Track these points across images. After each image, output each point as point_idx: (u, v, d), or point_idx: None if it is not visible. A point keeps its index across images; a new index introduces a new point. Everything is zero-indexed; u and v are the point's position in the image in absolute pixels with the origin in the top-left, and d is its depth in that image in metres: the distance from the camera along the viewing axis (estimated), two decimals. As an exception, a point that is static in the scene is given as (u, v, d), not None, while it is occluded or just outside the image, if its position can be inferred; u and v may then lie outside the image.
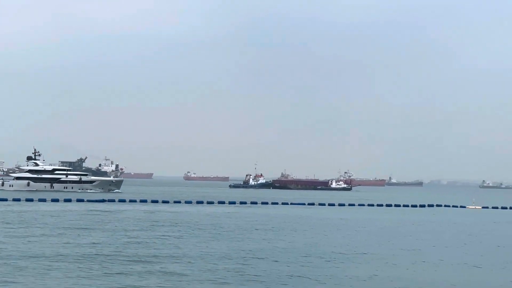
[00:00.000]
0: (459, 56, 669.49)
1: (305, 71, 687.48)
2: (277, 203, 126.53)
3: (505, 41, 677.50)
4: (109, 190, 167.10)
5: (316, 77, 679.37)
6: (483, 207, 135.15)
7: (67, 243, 51.70)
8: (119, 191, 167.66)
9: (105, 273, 38.11)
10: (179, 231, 64.35)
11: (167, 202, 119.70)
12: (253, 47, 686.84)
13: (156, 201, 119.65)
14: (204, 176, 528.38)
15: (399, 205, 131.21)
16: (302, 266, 42.52)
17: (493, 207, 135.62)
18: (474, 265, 45.28)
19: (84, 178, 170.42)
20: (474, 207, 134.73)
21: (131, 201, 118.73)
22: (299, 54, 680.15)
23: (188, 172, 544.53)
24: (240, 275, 38.69)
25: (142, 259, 43.56)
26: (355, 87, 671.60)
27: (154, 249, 49.19)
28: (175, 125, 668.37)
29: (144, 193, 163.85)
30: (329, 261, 45.17)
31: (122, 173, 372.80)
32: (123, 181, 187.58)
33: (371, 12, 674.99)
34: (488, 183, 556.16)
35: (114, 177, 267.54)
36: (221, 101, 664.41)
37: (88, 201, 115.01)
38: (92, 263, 41.54)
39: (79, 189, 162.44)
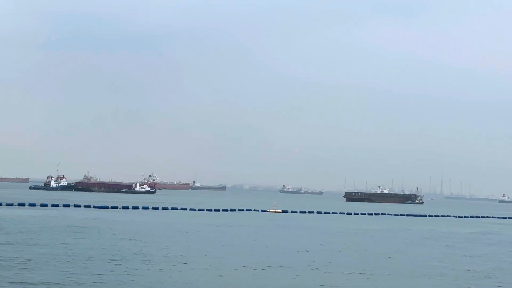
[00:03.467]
0: (264, 61, 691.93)
1: (107, 68, 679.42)
2: (79, 206, 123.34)
3: (309, 48, 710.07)
4: None
5: (120, 76, 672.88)
6: (283, 211, 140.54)
7: None
8: None
9: None
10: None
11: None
12: (50, 44, 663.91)
13: None
14: (3, 177, 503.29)
15: (202, 209, 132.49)
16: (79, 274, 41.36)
17: (292, 211, 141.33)
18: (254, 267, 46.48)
19: None
20: (274, 210, 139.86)
21: None
22: (107, 53, 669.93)
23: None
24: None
25: None
26: (158, 90, 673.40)
27: None
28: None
29: None
30: (119, 264, 44.45)
31: None
32: None
33: (184, 13, 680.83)
34: (288, 188, 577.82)
35: None
36: (16, 101, 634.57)
37: None
38: None
39: None
